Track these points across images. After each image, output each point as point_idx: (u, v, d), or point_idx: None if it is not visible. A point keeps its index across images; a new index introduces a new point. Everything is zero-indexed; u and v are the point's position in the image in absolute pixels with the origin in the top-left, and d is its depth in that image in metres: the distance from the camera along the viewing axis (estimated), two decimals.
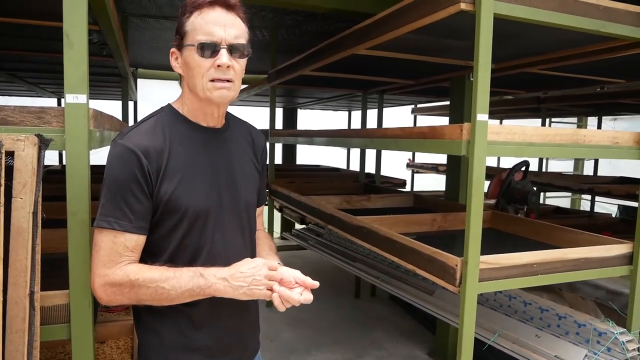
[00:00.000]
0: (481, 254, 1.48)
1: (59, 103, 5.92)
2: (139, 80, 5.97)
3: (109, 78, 3.63)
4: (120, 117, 3.39)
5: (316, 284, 1.04)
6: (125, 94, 3.62)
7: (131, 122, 4.72)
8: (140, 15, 3.48)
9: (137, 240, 1.02)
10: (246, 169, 1.19)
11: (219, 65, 1.01)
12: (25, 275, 0.96)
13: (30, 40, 2.49)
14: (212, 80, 1.03)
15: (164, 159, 1.03)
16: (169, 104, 1.14)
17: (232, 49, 1.03)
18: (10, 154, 0.98)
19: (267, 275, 1.01)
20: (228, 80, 1.04)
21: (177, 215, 1.05)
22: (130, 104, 4.51)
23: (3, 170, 0.94)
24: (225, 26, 1.02)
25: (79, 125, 1.07)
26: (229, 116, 1.21)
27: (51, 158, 5.60)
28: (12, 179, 0.97)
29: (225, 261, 1.06)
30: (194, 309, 1.07)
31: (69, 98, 1.06)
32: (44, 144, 1.02)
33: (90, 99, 1.10)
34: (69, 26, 1.05)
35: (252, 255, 1.21)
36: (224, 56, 1.01)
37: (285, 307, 1.02)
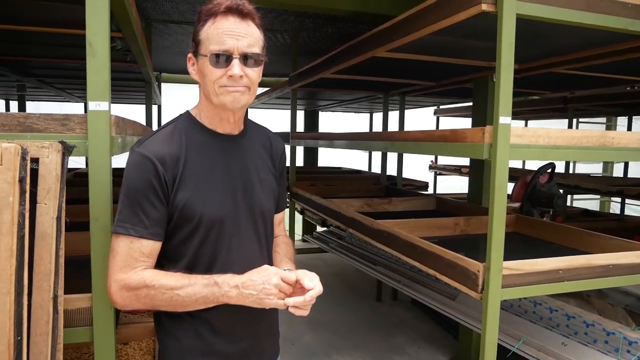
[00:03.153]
0: (505, 259, 1.44)
1: (86, 108, 6.07)
2: (165, 84, 6.08)
3: (133, 83, 3.71)
4: (144, 122, 3.46)
5: (311, 286, 1.00)
6: (149, 99, 3.68)
7: (155, 126, 4.81)
8: (163, 20, 3.55)
9: (152, 246, 1.03)
10: (263, 175, 1.18)
11: (230, 76, 1.02)
12: (49, 280, 0.98)
13: (58, 48, 2.56)
14: (224, 86, 1.04)
15: (180, 167, 1.04)
16: (187, 111, 1.16)
17: (246, 58, 1.03)
18: (35, 161, 1.00)
19: (278, 285, 1.00)
20: (244, 87, 1.05)
21: (193, 222, 1.06)
22: (154, 108, 4.60)
23: (28, 177, 0.96)
24: (239, 36, 1.02)
25: (101, 132, 1.09)
26: (247, 122, 1.21)
27: (79, 161, 5.75)
28: (37, 185, 0.99)
29: (241, 268, 1.06)
30: (212, 314, 1.07)
31: (92, 105, 1.08)
32: (67, 150, 1.04)
33: (115, 103, 1.13)
34: (92, 35, 1.07)
35: (269, 261, 1.21)
36: (235, 67, 1.01)
37: (306, 312, 1.01)
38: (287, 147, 4.10)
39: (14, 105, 5.76)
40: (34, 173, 1.00)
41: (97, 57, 1.08)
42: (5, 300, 0.89)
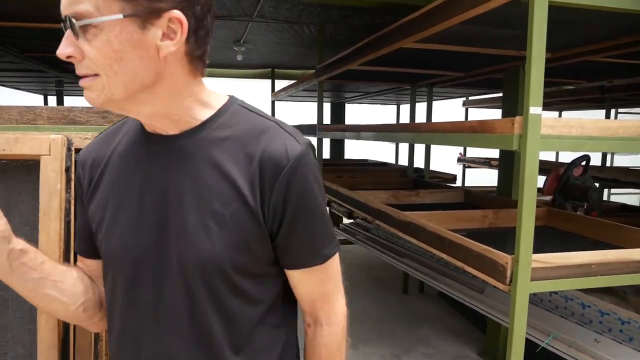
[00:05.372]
0: (535, 252, 1.42)
1: None
2: None
3: None
4: None
5: None
6: None
7: None
8: None
9: (84, 262, 0.83)
10: (214, 203, 0.68)
11: None
12: None
13: None
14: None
15: (96, 174, 0.77)
16: None
17: (73, 27, 0.62)
18: (79, 151, 1.06)
19: None
20: (86, 76, 0.65)
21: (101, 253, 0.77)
22: None
23: (74, 166, 1.02)
24: None
25: None
26: (224, 114, 0.73)
27: None
28: None
29: (147, 346, 0.72)
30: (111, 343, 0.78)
31: None
32: None
33: None
34: None
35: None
36: (62, 43, 0.63)
37: None
38: (314, 140, 4.13)
39: (52, 100, 5.98)
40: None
41: None
42: None
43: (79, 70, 0.65)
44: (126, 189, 0.73)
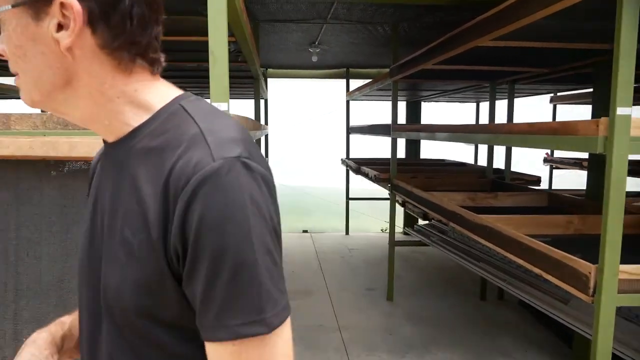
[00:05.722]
0: (629, 263, 1.32)
1: None
2: (270, 79, 6.42)
3: (243, 80, 3.98)
4: (252, 116, 3.71)
5: None
6: (257, 94, 3.94)
7: (262, 120, 5.11)
8: (269, 20, 3.75)
9: None
10: (125, 229, 0.55)
11: None
12: None
13: (178, 52, 2.86)
14: None
15: (90, 182, 0.71)
16: None
17: None
18: None
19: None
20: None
21: None
22: (262, 102, 4.90)
23: None
24: None
25: None
26: (161, 118, 0.58)
27: None
28: None
29: None
30: None
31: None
32: None
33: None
34: (214, 45, 1.20)
35: None
36: None
37: None
38: (387, 140, 4.11)
39: None
40: None
41: (217, 65, 1.20)
42: None
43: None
44: (89, 203, 0.66)
